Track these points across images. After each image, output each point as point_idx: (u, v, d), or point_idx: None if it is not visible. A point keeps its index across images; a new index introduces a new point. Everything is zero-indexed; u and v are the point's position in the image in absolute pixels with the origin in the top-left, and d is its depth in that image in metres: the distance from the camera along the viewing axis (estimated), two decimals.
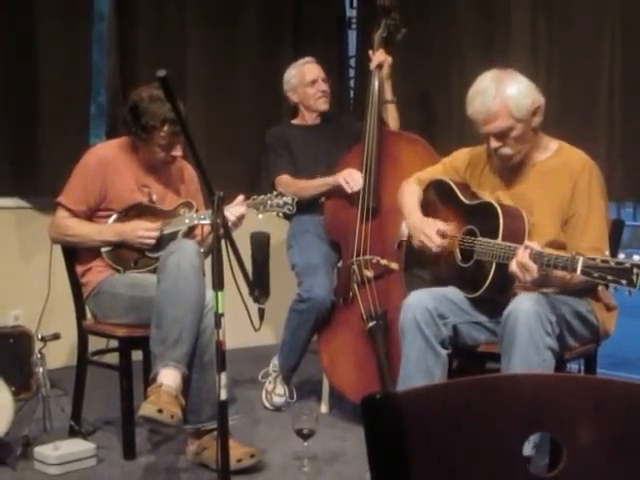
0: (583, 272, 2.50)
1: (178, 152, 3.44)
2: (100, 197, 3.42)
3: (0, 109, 4.43)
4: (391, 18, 4.10)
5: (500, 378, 1.40)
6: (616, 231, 3.17)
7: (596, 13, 4.09)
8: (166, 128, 3.33)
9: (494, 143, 2.98)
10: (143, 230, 3.39)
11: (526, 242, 2.76)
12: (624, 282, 2.40)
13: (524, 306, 2.75)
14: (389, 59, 4.06)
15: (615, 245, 3.07)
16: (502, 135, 2.95)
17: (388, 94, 4.11)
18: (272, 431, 3.68)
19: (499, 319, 2.88)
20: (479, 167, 3.21)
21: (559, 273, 2.68)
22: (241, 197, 3.40)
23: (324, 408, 4.02)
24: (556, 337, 2.79)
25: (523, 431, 1.20)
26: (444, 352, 2.98)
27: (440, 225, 3.14)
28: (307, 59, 4.44)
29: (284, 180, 4.17)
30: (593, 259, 2.48)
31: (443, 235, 3.12)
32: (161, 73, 2.14)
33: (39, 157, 4.53)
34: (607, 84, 4.06)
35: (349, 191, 3.90)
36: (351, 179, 3.91)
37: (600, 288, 2.89)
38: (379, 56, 4.05)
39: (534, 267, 2.68)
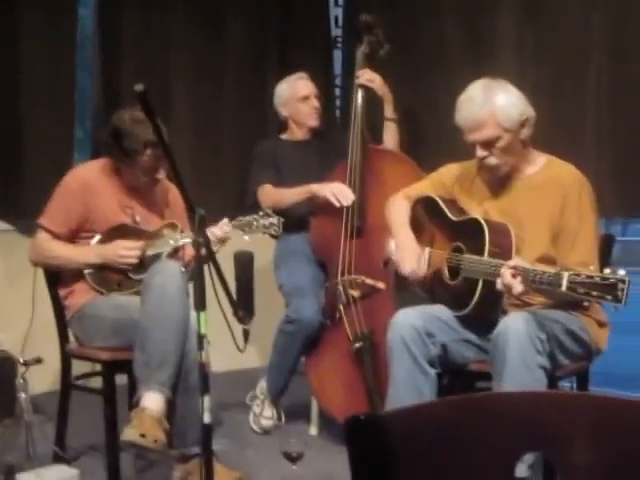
0: (568, 288, 2.46)
1: (161, 175, 3.40)
2: (82, 218, 3.38)
3: None
4: (373, 34, 4.07)
5: (491, 396, 1.37)
6: (606, 246, 3.15)
7: (583, 29, 4.08)
8: (149, 151, 3.29)
9: (480, 152, 2.96)
10: (124, 249, 3.34)
11: (509, 262, 2.72)
12: (609, 298, 2.37)
13: (514, 326, 2.72)
14: (378, 77, 4.03)
15: (605, 260, 3.04)
16: (488, 144, 2.94)
17: (388, 112, 4.09)
18: (260, 455, 3.62)
19: (489, 336, 2.85)
20: (468, 180, 3.19)
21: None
22: (225, 220, 3.37)
23: (313, 430, 3.97)
24: (547, 355, 2.76)
25: (515, 450, 1.17)
26: (433, 371, 2.94)
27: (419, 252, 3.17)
28: (300, 74, 4.39)
29: (266, 189, 4.10)
30: (578, 274, 2.44)
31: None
32: (139, 87, 2.06)
33: (23, 181, 4.48)
34: (594, 100, 4.04)
35: (337, 205, 3.81)
36: (340, 194, 3.83)
37: (586, 303, 2.86)
38: (365, 75, 4.02)
39: (519, 287, 2.64)
